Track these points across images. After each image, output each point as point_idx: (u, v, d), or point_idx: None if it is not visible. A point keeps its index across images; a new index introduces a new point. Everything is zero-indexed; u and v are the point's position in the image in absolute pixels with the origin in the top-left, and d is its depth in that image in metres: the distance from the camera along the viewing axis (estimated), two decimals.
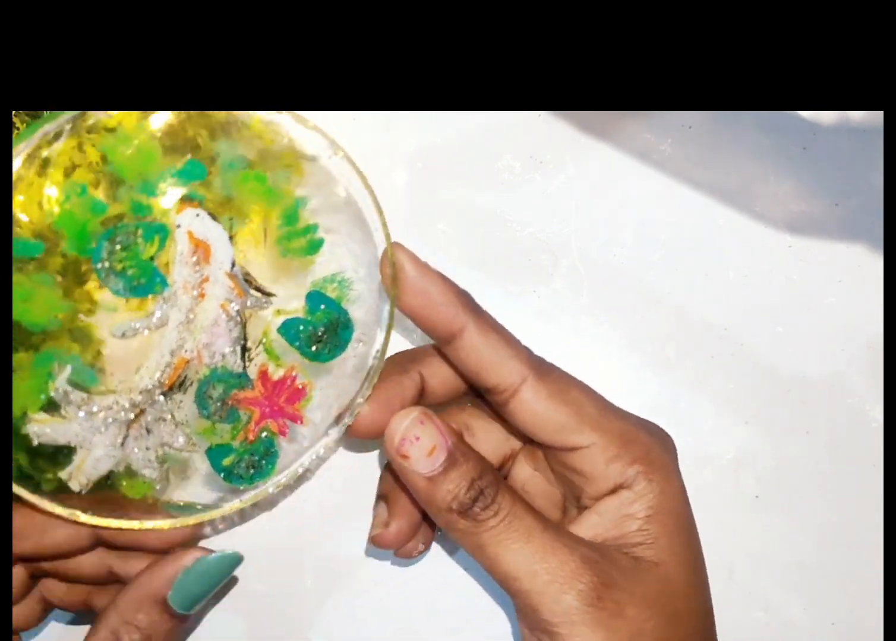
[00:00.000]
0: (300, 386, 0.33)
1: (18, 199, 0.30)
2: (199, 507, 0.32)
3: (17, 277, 0.30)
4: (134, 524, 0.31)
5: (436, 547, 0.40)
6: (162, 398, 0.32)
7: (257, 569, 0.38)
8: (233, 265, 0.33)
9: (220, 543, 0.39)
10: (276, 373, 0.33)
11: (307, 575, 0.39)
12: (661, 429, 0.34)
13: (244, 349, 0.33)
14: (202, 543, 0.38)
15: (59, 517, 0.31)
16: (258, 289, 0.33)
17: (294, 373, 0.33)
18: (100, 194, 0.31)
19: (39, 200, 0.30)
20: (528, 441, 0.36)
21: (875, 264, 0.41)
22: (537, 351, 0.34)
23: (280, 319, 0.33)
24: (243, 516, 0.39)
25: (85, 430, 0.32)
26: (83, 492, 0.32)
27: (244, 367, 0.33)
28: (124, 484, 0.32)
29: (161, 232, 0.32)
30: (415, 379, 0.34)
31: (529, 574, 0.30)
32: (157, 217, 0.31)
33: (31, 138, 0.30)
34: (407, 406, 0.33)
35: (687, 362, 0.41)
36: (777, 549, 0.36)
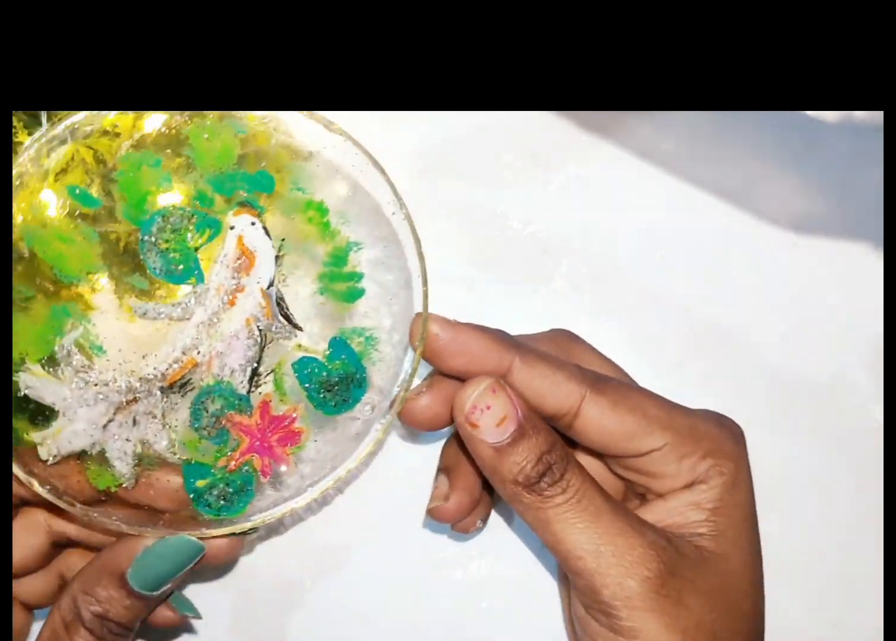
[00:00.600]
0: (297, 430, 0.32)
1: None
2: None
3: (65, 221, 0.30)
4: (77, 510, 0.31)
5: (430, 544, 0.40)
6: (159, 393, 0.32)
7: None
8: (270, 284, 0.32)
9: None
10: (278, 409, 0.32)
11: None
12: (730, 419, 0.34)
13: (255, 372, 0.32)
14: None
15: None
16: (287, 317, 0.32)
17: (295, 415, 0.32)
18: (172, 173, 0.31)
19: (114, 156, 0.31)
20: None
21: (879, 263, 0.41)
22: None
23: (298, 354, 0.32)
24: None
25: (74, 398, 0.31)
26: (49, 462, 0.31)
27: (248, 391, 0.32)
28: (92, 468, 0.31)
29: (214, 226, 0.31)
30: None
31: (594, 554, 0.30)
32: (215, 212, 0.31)
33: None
34: None
35: (688, 362, 0.41)
36: (779, 550, 0.36)
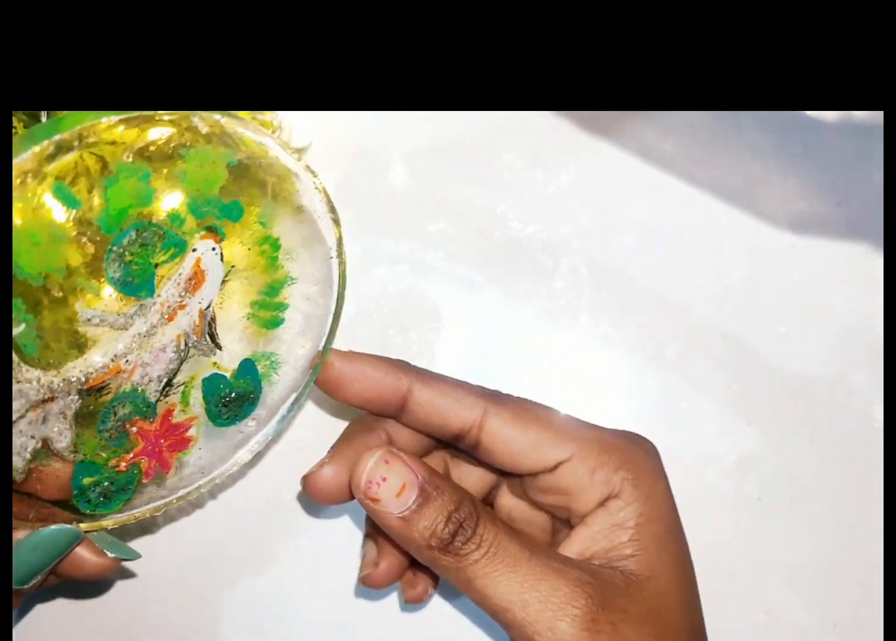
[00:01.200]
0: (188, 438, 0.34)
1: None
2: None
3: (40, 220, 0.30)
4: None
5: None
6: (76, 395, 0.32)
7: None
8: (209, 306, 0.33)
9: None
10: (178, 418, 0.34)
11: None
12: (640, 435, 0.33)
13: (168, 383, 0.33)
14: None
15: None
16: (212, 336, 0.34)
17: (190, 424, 0.34)
18: (157, 190, 0.31)
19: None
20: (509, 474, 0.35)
21: (879, 263, 0.41)
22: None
23: (210, 372, 0.34)
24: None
25: None
26: None
27: (157, 400, 0.33)
28: None
29: (180, 246, 0.32)
30: (381, 437, 0.33)
31: (520, 605, 0.29)
32: (184, 232, 0.32)
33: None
34: None
35: (688, 363, 0.41)
36: (779, 551, 0.36)
